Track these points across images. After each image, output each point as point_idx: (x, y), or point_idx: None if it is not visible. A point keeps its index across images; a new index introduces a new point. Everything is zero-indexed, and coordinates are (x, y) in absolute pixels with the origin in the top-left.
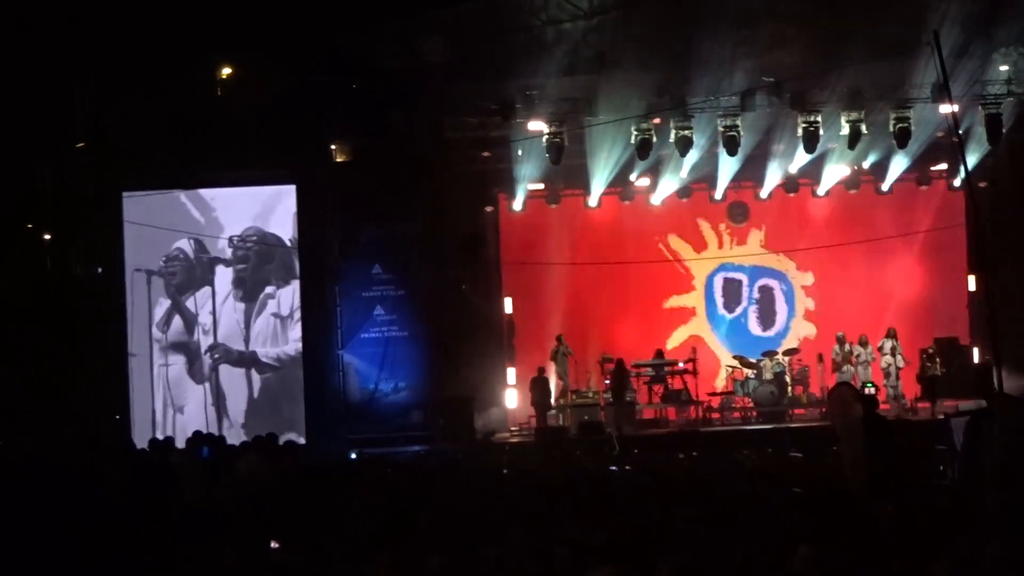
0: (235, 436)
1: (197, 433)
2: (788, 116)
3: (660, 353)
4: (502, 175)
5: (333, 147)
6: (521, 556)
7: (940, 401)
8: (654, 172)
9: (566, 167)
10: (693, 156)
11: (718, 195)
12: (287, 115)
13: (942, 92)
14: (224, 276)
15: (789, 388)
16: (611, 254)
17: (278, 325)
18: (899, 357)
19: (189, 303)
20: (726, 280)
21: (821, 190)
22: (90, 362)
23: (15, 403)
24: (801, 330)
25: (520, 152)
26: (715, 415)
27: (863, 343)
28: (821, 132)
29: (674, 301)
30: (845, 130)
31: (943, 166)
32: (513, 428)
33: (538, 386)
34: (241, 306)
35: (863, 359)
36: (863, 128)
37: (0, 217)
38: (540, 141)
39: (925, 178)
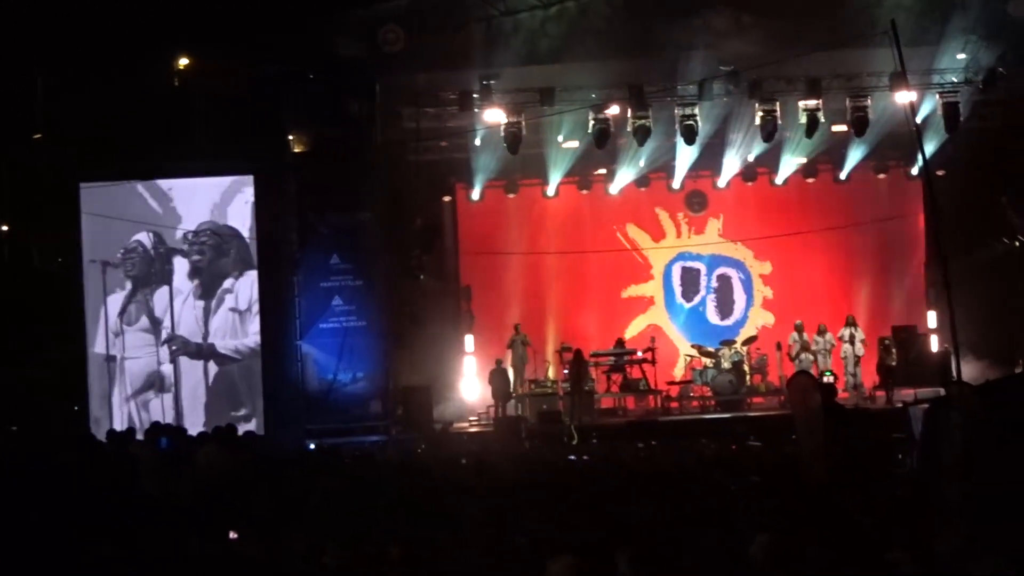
0: (194, 427)
1: (155, 424)
2: (746, 105)
3: (620, 342)
4: (460, 165)
5: (291, 137)
6: (479, 547)
7: (897, 390)
8: (612, 161)
9: (524, 157)
10: (651, 145)
11: (676, 184)
12: (244, 105)
13: (900, 80)
14: (182, 268)
15: (747, 377)
16: (569, 243)
17: (236, 320)
18: (858, 345)
19: (147, 296)
20: (684, 269)
21: (779, 179)
22: (48, 354)
23: None
24: (759, 319)
25: (478, 142)
26: (674, 404)
27: (821, 332)
28: (779, 121)
29: (632, 290)
30: (803, 119)
31: (901, 154)
32: (472, 418)
33: (497, 376)
34: (200, 302)
35: (822, 348)
36: (820, 116)
37: None
38: (498, 131)
39: (883, 167)
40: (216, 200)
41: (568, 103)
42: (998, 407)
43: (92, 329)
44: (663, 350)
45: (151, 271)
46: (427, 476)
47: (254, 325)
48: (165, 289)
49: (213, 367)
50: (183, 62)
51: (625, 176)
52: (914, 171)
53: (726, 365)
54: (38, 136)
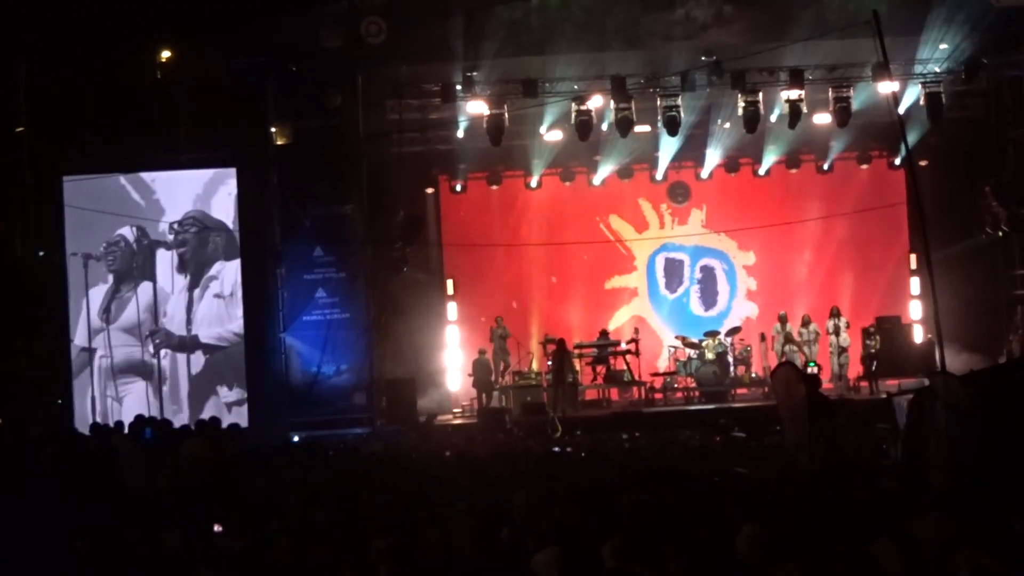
0: (178, 420)
1: (139, 417)
2: (728, 96)
3: (604, 334)
4: (443, 157)
5: (273, 130)
6: (464, 539)
7: (881, 380)
8: (595, 153)
9: (507, 148)
10: (633, 137)
11: (659, 175)
12: (227, 98)
13: (882, 71)
14: (165, 260)
15: (731, 368)
16: (553, 235)
17: (221, 306)
18: (843, 336)
19: (130, 289)
20: (668, 260)
21: (762, 170)
22: (30, 347)
23: None
24: (743, 310)
25: (461, 134)
26: (658, 396)
27: (805, 322)
28: (761, 112)
29: (616, 281)
30: (785, 109)
31: (884, 145)
32: (455, 410)
33: (479, 368)
34: (185, 293)
35: (806, 338)
36: (803, 107)
37: None
38: (481, 123)
39: (866, 157)
40: (199, 192)
41: (550, 95)
42: (982, 397)
43: (74, 322)
44: (647, 341)
45: (133, 265)
46: (411, 468)
47: (239, 310)
48: (148, 281)
49: (199, 358)
50: (165, 54)
51: (608, 167)
52: (897, 161)
53: (710, 356)
54: (20, 129)
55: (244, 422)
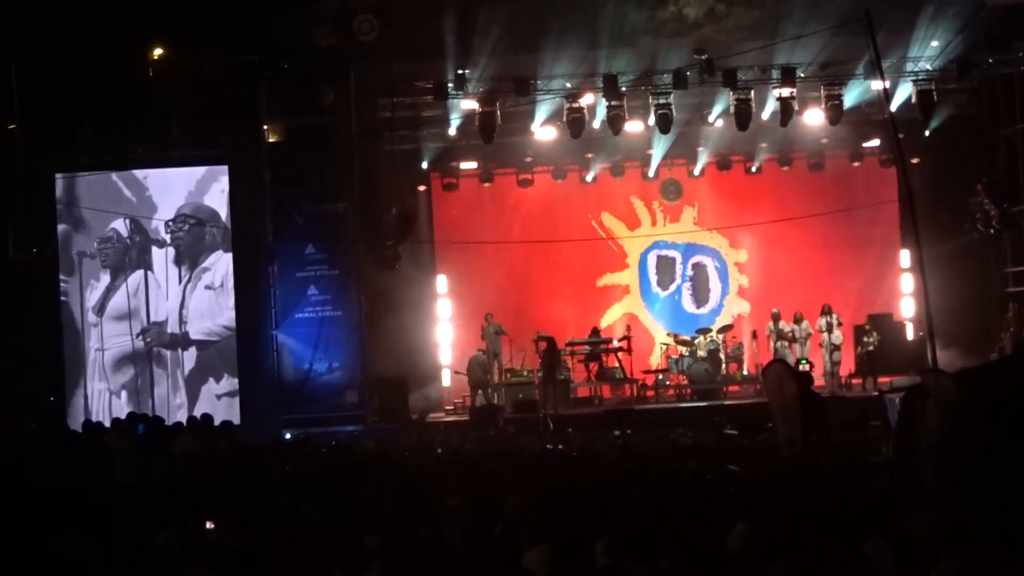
0: (171, 415)
1: (132, 414)
2: (720, 93)
3: (596, 331)
4: (435, 154)
5: (265, 127)
6: (457, 537)
7: (873, 378)
8: (587, 150)
9: (499, 146)
10: (625, 134)
11: (651, 173)
12: (219, 95)
13: (874, 68)
14: (160, 256)
15: (723, 365)
16: (545, 232)
17: (213, 298)
18: (836, 333)
19: (123, 285)
20: (659, 257)
21: (754, 167)
22: (23, 344)
23: None
24: (735, 307)
25: (453, 132)
26: (650, 393)
27: (798, 320)
28: (753, 109)
29: (608, 279)
30: (777, 107)
31: (875, 142)
32: (448, 407)
33: (474, 365)
34: (178, 286)
35: (798, 336)
36: (795, 105)
37: None
38: (473, 120)
39: (857, 155)
40: (192, 189)
41: (542, 92)
42: (974, 394)
43: (68, 320)
44: (639, 339)
45: (127, 260)
46: (404, 466)
47: (230, 301)
48: (141, 278)
49: (191, 353)
50: (158, 52)
51: (600, 165)
52: (889, 159)
53: (702, 354)
54: (13, 126)
55: (235, 416)
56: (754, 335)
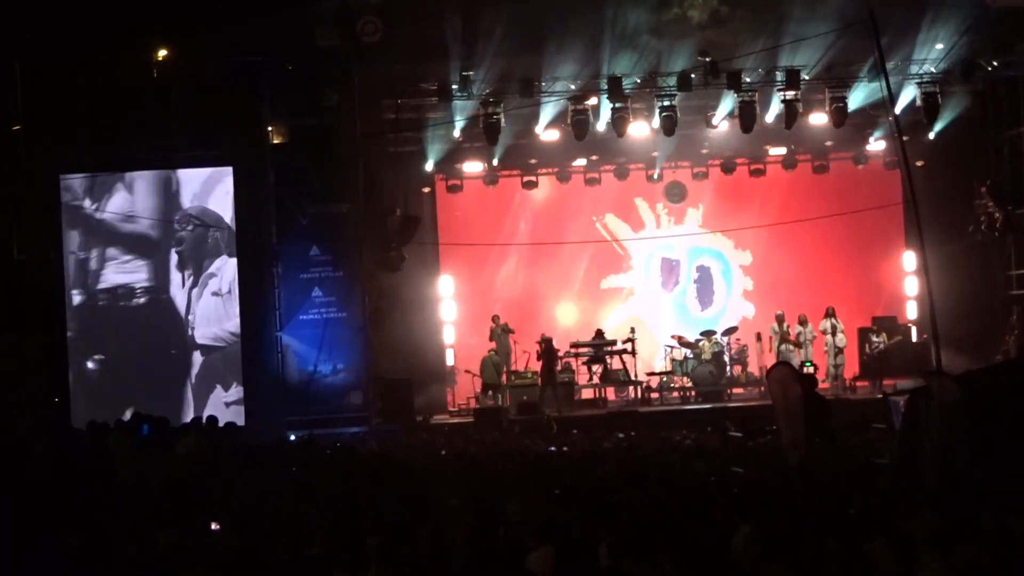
0: (176, 417)
1: (136, 414)
2: (725, 96)
3: (600, 333)
4: (439, 156)
5: (269, 128)
6: (460, 538)
7: (877, 380)
8: (591, 152)
9: (503, 148)
10: (630, 136)
11: (655, 175)
12: (223, 96)
13: (878, 71)
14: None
15: (728, 368)
16: (549, 234)
17: (219, 304)
18: (839, 336)
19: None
20: (664, 260)
21: (758, 169)
22: (27, 345)
23: None
24: (739, 309)
25: (457, 133)
26: (654, 395)
27: (802, 322)
28: (757, 111)
29: (612, 281)
30: (782, 109)
31: (880, 145)
32: (452, 409)
33: (489, 365)
34: (183, 290)
35: (802, 338)
36: (799, 107)
37: None
38: (477, 122)
39: (862, 157)
40: (196, 191)
41: (547, 94)
42: (978, 397)
43: (72, 321)
44: (643, 341)
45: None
46: (408, 468)
47: (236, 308)
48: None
49: (196, 358)
50: (162, 53)
51: (605, 167)
52: (893, 161)
53: (706, 356)
54: (17, 127)
55: (241, 421)
56: (758, 337)
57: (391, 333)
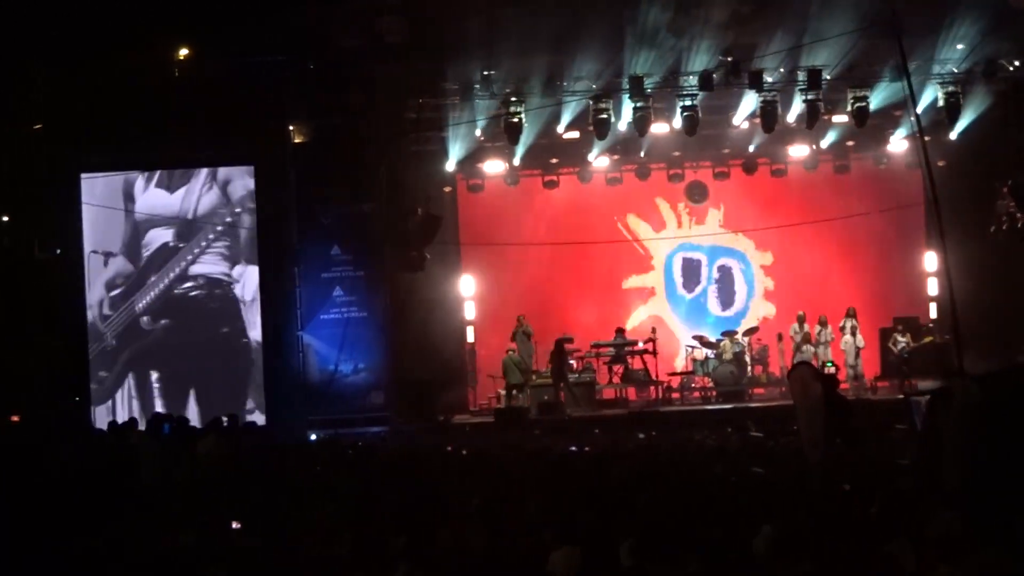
0: (196, 419)
1: (157, 413)
2: (746, 95)
3: (621, 333)
4: (461, 155)
5: (291, 128)
6: (482, 538)
7: (898, 381)
8: (613, 152)
9: (525, 147)
10: (652, 136)
11: (677, 175)
12: (245, 96)
13: (901, 71)
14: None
15: (749, 368)
16: (570, 234)
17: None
18: (858, 337)
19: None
20: (685, 260)
21: (779, 169)
22: (49, 345)
23: None
24: (761, 310)
25: (478, 133)
26: (675, 395)
27: (823, 323)
28: (779, 111)
29: (633, 281)
30: (803, 109)
31: (902, 145)
32: (473, 409)
33: (511, 365)
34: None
35: (823, 339)
36: (821, 107)
37: None
38: (499, 122)
39: (883, 157)
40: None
41: (568, 94)
42: (999, 398)
43: (93, 320)
44: (664, 341)
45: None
46: (429, 467)
47: (256, 317)
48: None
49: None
50: (183, 52)
51: (626, 166)
52: (914, 162)
53: (727, 356)
54: (38, 126)
55: (261, 420)
56: (779, 337)
57: (412, 333)
